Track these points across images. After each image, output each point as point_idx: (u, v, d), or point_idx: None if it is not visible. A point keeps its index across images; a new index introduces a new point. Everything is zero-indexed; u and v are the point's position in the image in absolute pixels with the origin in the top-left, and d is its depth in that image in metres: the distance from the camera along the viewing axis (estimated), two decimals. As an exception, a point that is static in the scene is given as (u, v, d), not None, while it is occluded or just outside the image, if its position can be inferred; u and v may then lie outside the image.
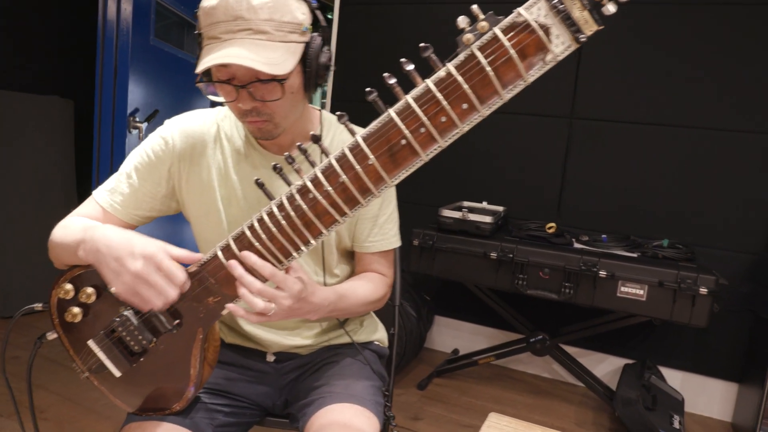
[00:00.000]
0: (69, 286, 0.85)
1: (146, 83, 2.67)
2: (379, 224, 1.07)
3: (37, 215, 2.81)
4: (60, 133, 2.99)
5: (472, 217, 2.27)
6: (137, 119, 2.58)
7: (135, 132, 2.57)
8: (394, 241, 1.10)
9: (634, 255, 2.18)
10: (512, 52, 0.63)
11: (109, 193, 0.99)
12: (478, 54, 0.64)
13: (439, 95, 0.66)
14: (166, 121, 1.03)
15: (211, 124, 1.04)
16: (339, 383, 0.99)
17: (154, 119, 2.66)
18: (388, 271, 1.11)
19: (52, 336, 0.91)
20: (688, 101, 2.39)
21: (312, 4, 0.90)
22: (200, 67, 0.83)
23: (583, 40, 0.62)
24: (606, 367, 2.64)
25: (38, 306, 0.92)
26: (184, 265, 0.81)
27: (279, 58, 0.84)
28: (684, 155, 2.41)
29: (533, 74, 0.65)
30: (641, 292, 2.03)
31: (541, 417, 2.29)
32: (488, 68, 0.64)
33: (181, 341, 0.84)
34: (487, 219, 2.25)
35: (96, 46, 2.44)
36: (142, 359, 0.86)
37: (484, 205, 2.62)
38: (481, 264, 2.23)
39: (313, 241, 0.76)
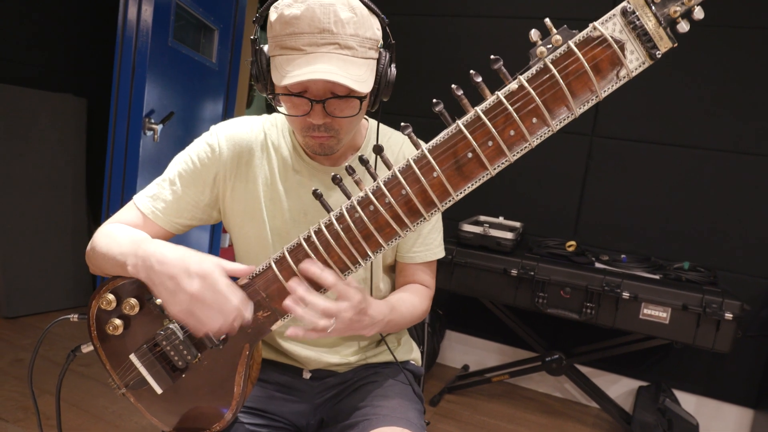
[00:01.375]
0: (111, 297, 0.81)
1: (163, 85, 2.64)
2: (424, 234, 1.04)
3: (46, 213, 2.76)
4: (72, 131, 2.95)
5: (493, 232, 2.24)
6: (152, 121, 2.55)
7: (150, 133, 2.54)
8: (438, 251, 1.07)
9: (656, 277, 2.15)
10: (587, 66, 0.62)
11: (152, 199, 0.96)
12: (552, 67, 0.63)
13: (510, 108, 0.64)
14: (212, 127, 1.00)
15: (259, 132, 1.00)
16: (384, 404, 0.94)
17: (169, 121, 2.63)
18: (431, 283, 1.08)
19: (87, 349, 0.86)
20: (710, 123, 2.37)
21: (384, 20, 0.87)
22: (287, 81, 0.78)
23: (658, 56, 0.62)
24: (619, 388, 2.60)
25: (74, 317, 0.87)
26: (234, 279, 0.77)
27: (364, 75, 0.82)
28: (705, 177, 2.39)
29: (606, 90, 0.64)
30: (664, 315, 2.00)
31: (555, 439, 2.25)
32: (562, 82, 0.62)
33: (227, 357, 0.79)
34: (509, 235, 2.22)
35: (114, 45, 2.41)
36: (184, 375, 0.81)
37: (501, 220, 2.59)
38: (501, 281, 2.19)
39: (371, 255, 0.72)
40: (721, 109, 2.35)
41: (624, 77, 0.62)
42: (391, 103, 1.00)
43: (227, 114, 3.36)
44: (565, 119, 0.64)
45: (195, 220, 0.98)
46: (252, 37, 0.89)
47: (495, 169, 0.67)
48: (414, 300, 1.00)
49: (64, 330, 2.56)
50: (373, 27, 0.84)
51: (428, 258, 1.05)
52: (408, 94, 2.60)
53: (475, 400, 2.47)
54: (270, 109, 1.07)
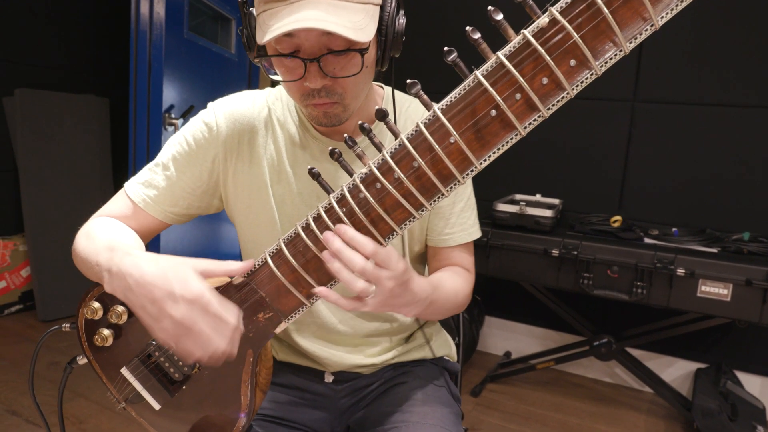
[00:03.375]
0: (96, 305, 0.73)
1: (181, 79, 2.59)
2: (456, 212, 0.91)
3: (75, 215, 2.76)
4: (96, 131, 2.95)
5: (531, 211, 2.09)
6: (173, 115, 2.50)
7: (171, 129, 2.49)
8: (474, 231, 0.94)
9: (714, 250, 1.96)
10: None
11: (143, 186, 0.85)
12: None
13: (540, 49, 0.50)
14: (210, 104, 0.89)
15: (261, 107, 0.89)
16: (415, 410, 0.84)
17: (190, 115, 2.58)
18: (471, 266, 0.95)
19: (82, 360, 0.79)
20: (759, 80, 2.13)
21: None
22: (267, 36, 0.66)
23: None
24: (675, 371, 2.42)
25: (66, 326, 0.80)
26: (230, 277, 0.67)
27: (362, 22, 0.68)
28: (760, 139, 2.16)
29: (665, 15, 0.49)
30: (725, 291, 1.82)
31: (607, 427, 2.10)
32: (605, 9, 0.48)
33: (229, 366, 0.70)
34: (547, 213, 2.07)
35: (129, 42, 2.37)
36: (184, 387, 0.73)
37: (538, 197, 2.43)
38: (541, 262, 2.05)
39: (383, 242, 0.61)
40: (780, 62, 2.12)
41: None
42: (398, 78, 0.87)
43: (250, 105, 3.30)
44: (611, 58, 0.50)
45: (192, 209, 0.88)
46: (239, 0, 0.77)
47: (526, 127, 0.54)
48: (456, 282, 0.87)
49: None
50: None
51: (464, 239, 0.92)
52: (416, 68, 2.46)
53: (519, 389, 2.34)
54: None
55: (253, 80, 3.29)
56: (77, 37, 2.96)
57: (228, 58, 3.05)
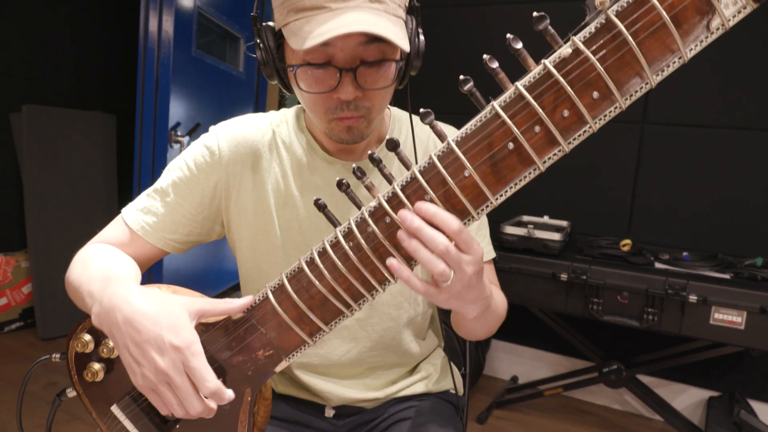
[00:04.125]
0: (88, 338, 0.70)
1: (188, 96, 2.59)
2: (473, 230, 0.89)
3: (79, 232, 2.75)
4: (102, 148, 2.95)
5: (539, 234, 2.05)
6: (179, 133, 2.50)
7: (176, 146, 2.49)
8: (490, 250, 0.92)
9: (727, 276, 1.92)
10: (665, 16, 0.45)
11: (141, 212, 0.83)
12: (617, 22, 0.46)
13: (561, 80, 0.48)
14: (212, 128, 0.87)
15: (266, 130, 0.86)
16: None
17: (196, 133, 2.57)
18: (498, 285, 0.92)
19: (72, 393, 0.76)
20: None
21: None
22: (316, 40, 0.63)
23: None
24: (686, 399, 2.36)
25: (56, 357, 0.76)
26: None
27: (400, 33, 0.67)
28: (775, 162, 2.13)
29: (693, 48, 0.47)
30: (739, 319, 1.77)
31: (618, 458, 2.04)
32: (631, 41, 0.46)
33: (225, 405, 0.67)
34: (556, 236, 2.03)
35: (137, 59, 2.37)
36: (177, 427, 0.70)
37: (546, 219, 2.39)
38: (550, 286, 2.01)
39: (391, 279, 0.58)
40: (793, 86, 2.09)
41: (717, 29, 0.46)
42: (412, 99, 0.85)
43: (256, 123, 3.30)
44: (636, 91, 0.47)
45: (193, 236, 0.85)
46: (252, 14, 0.75)
47: (545, 162, 0.51)
48: (498, 293, 0.83)
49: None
50: None
51: (487, 256, 0.90)
52: (428, 89, 2.45)
53: (526, 416, 2.28)
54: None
55: (260, 98, 3.29)
56: (85, 53, 2.97)
57: (236, 76, 3.06)
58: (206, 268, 3.00)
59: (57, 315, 2.65)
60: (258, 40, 0.75)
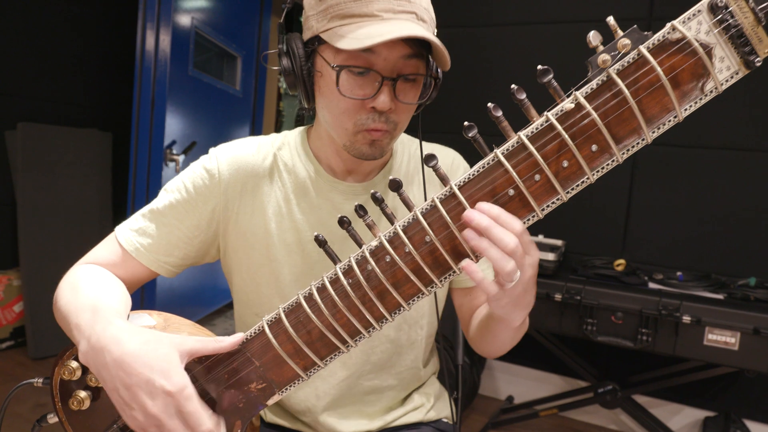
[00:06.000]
0: (75, 365, 0.69)
1: (184, 115, 2.60)
2: None
3: (73, 251, 2.73)
4: (98, 166, 2.94)
5: (533, 254, 2.06)
6: (174, 151, 2.50)
7: (171, 165, 2.49)
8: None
9: (720, 297, 1.93)
10: (663, 78, 0.48)
11: (136, 233, 0.81)
12: (618, 80, 0.49)
13: (563, 133, 0.50)
14: (212, 150, 0.86)
15: (267, 153, 0.86)
16: None
17: (192, 152, 2.57)
18: None
19: (53, 419, 0.74)
20: (764, 124, 2.14)
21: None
22: (376, 40, 0.65)
23: (757, 63, 0.48)
24: (682, 419, 2.35)
25: (38, 381, 0.75)
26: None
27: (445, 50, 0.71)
28: (765, 182, 2.16)
29: (687, 108, 0.50)
30: (733, 340, 1.78)
31: (614, 480, 2.03)
32: (631, 99, 0.48)
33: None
34: (550, 256, 2.04)
35: (134, 77, 2.38)
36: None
37: (541, 238, 2.40)
38: (544, 307, 2.01)
39: (389, 317, 0.59)
40: (783, 108, 2.12)
41: (711, 91, 0.48)
42: (424, 118, 0.88)
43: (252, 140, 3.30)
44: (633, 146, 0.50)
45: (188, 260, 0.84)
46: (280, 22, 0.77)
47: (543, 209, 0.53)
48: None
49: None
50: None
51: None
52: (440, 109, 2.47)
53: (521, 437, 2.28)
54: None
55: (257, 116, 3.30)
56: (81, 70, 2.98)
57: (232, 95, 3.07)
58: (200, 287, 2.99)
59: (48, 334, 2.62)
60: (285, 47, 0.76)
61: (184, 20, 2.51)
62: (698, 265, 2.24)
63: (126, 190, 2.59)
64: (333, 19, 0.70)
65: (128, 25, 2.78)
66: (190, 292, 2.88)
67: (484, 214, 0.54)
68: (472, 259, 0.56)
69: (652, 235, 2.35)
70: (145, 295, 2.48)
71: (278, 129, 3.67)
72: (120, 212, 3.01)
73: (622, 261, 2.11)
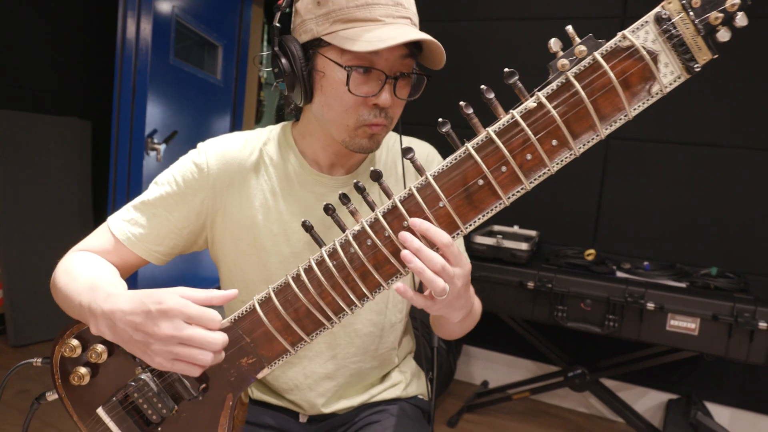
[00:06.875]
0: (75, 343, 0.73)
1: (165, 104, 2.61)
2: None
3: (52, 239, 2.73)
4: (77, 154, 2.93)
5: (507, 243, 2.14)
6: (155, 140, 2.51)
7: (153, 154, 2.50)
8: (466, 257, 0.98)
9: (683, 285, 2.04)
10: (615, 81, 0.55)
11: (128, 223, 0.86)
12: (575, 83, 0.55)
13: (527, 129, 0.57)
14: (200, 145, 0.91)
15: (253, 148, 0.91)
16: None
17: (173, 141, 2.58)
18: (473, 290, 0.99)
19: (52, 397, 0.79)
20: (735, 120, 2.25)
21: None
22: (389, 42, 0.72)
23: (696, 69, 0.54)
24: (647, 402, 2.47)
25: (37, 361, 0.79)
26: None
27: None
28: (730, 177, 2.27)
29: (637, 108, 0.56)
30: (693, 326, 1.88)
31: (581, 458, 2.13)
32: (586, 99, 0.55)
33: (207, 409, 0.72)
34: (523, 246, 2.12)
35: (114, 65, 2.38)
36: (160, 429, 0.74)
37: (516, 229, 2.49)
38: (517, 294, 2.09)
39: (369, 295, 0.64)
40: (749, 105, 2.23)
41: (657, 93, 0.55)
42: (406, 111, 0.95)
43: (235, 130, 3.32)
44: (589, 141, 0.56)
45: (177, 248, 0.90)
46: (276, 24, 0.82)
47: (509, 197, 0.59)
48: (474, 297, 0.89)
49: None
50: None
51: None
52: (420, 102, 2.52)
53: (496, 419, 2.37)
54: (281, 122, 0.98)
55: (238, 106, 3.31)
56: (60, 58, 2.95)
57: (214, 84, 3.08)
58: (182, 275, 3.01)
59: (28, 322, 2.62)
60: (283, 49, 0.81)
61: (165, 8, 2.51)
62: (664, 256, 2.35)
63: (106, 178, 2.58)
64: (336, 23, 0.76)
65: (108, 11, 2.76)
66: (172, 281, 2.89)
67: (415, 237, 0.61)
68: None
69: (621, 226, 2.45)
70: (127, 283, 2.50)
71: (259, 118, 3.68)
72: (100, 201, 3.00)
73: (592, 251, 2.21)
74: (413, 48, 0.79)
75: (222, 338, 0.65)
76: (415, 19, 0.81)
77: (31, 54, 2.79)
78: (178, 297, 0.64)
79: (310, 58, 0.81)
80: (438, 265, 0.61)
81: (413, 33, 0.74)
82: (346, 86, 0.77)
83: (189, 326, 0.63)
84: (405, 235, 0.61)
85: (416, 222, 0.61)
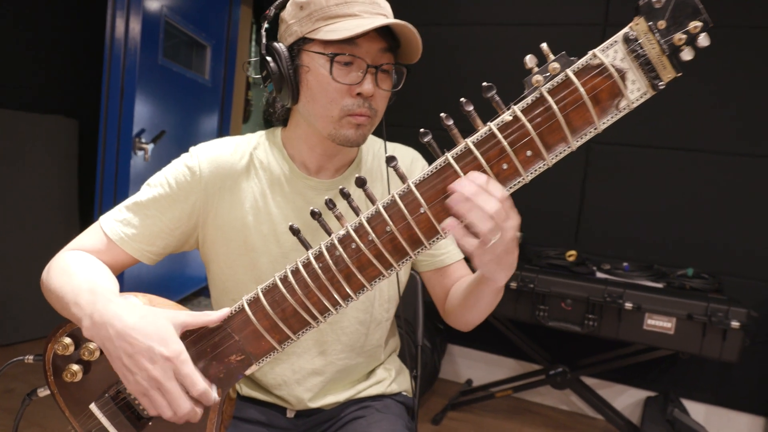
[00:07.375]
0: (68, 341, 0.75)
1: (153, 103, 2.61)
2: None
3: (38, 237, 2.72)
4: (63, 153, 2.92)
5: (491, 244, 2.18)
6: (143, 140, 2.51)
7: (140, 153, 2.50)
8: (458, 251, 1.02)
9: (660, 285, 2.10)
10: (585, 97, 0.58)
11: (121, 224, 0.88)
12: (549, 98, 0.59)
13: (503, 141, 0.60)
14: (192, 149, 0.94)
15: (244, 153, 0.94)
16: None
17: (161, 140, 2.59)
18: None
19: (44, 393, 0.81)
20: (712, 126, 2.32)
21: None
22: (363, 28, 0.79)
23: (661, 87, 0.58)
24: (626, 399, 2.54)
25: (29, 358, 0.81)
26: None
27: None
28: (707, 181, 2.34)
29: (606, 122, 0.61)
30: (669, 325, 1.94)
31: (562, 454, 2.19)
32: (559, 114, 0.59)
33: (196, 404, 0.74)
34: (507, 247, 2.17)
35: (102, 64, 2.38)
36: (150, 424, 0.77)
37: (500, 230, 2.53)
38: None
39: (353, 296, 0.68)
40: (724, 111, 2.30)
41: (624, 108, 0.59)
42: (393, 113, 0.99)
43: (222, 130, 3.33)
44: (561, 152, 0.60)
45: (169, 249, 0.92)
46: (265, 26, 0.87)
47: None
48: None
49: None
50: None
51: (461, 254, 1.01)
52: (406, 105, 2.56)
53: (479, 417, 2.41)
54: (268, 124, 1.02)
55: (226, 106, 3.33)
56: (46, 55, 2.93)
57: (202, 84, 3.09)
58: (168, 275, 3.01)
59: (14, 320, 2.61)
60: (270, 52, 0.86)
61: (154, 8, 2.52)
62: (643, 257, 2.41)
63: (92, 177, 2.58)
64: (317, 21, 0.82)
65: (95, 10, 2.76)
66: (159, 279, 2.90)
67: (472, 182, 0.60)
68: (426, 246, 0.65)
69: (602, 228, 2.51)
70: (113, 282, 2.50)
71: (246, 118, 3.69)
72: (86, 200, 2.99)
73: (573, 252, 2.26)
74: (391, 42, 0.85)
75: (188, 410, 0.68)
76: (391, 17, 0.86)
77: (15, 51, 2.77)
78: (180, 346, 0.67)
79: (295, 57, 0.85)
80: (494, 206, 0.59)
81: (390, 20, 0.80)
82: (330, 76, 0.82)
83: (173, 380, 0.66)
84: (461, 181, 0.61)
85: (474, 174, 0.60)
